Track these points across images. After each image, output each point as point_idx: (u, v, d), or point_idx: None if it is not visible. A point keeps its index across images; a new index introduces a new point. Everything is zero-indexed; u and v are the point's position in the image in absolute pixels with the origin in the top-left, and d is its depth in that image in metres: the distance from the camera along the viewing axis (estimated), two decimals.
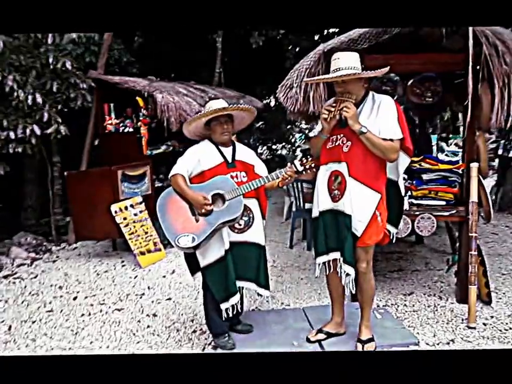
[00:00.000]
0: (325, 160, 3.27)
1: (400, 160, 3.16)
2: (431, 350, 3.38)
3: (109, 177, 5.63)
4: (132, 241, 5.59)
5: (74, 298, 4.70)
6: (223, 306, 3.37)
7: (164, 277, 5.26)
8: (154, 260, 5.73)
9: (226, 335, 3.51)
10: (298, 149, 14.36)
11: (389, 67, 3.12)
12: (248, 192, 3.28)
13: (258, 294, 3.53)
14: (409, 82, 4.54)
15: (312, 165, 3.27)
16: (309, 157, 3.32)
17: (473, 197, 3.91)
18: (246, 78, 8.72)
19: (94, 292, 4.87)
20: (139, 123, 5.94)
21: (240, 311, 3.48)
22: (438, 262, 5.34)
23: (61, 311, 4.40)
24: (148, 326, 4.03)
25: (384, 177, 3.19)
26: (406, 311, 4.10)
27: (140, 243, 5.66)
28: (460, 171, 4.12)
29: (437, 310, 4.11)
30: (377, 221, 3.16)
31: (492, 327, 3.74)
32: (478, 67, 3.69)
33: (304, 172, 3.28)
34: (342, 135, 3.17)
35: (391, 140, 3.03)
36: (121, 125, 6.15)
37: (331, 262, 3.34)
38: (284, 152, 13.37)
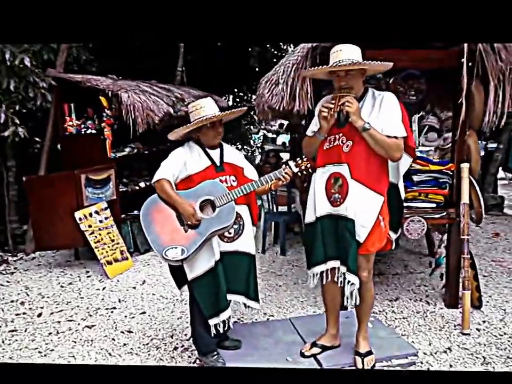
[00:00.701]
0: (322, 162, 3.02)
1: (401, 161, 2.94)
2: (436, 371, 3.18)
3: (72, 182, 5.18)
4: (98, 250, 5.18)
5: (39, 315, 4.27)
6: (212, 321, 3.06)
7: (134, 288, 4.89)
8: (122, 270, 5.34)
9: (215, 352, 3.21)
10: (257, 150, 14.18)
11: (392, 63, 2.88)
12: (238, 198, 3.00)
13: (247, 307, 3.23)
14: (391, 80, 4.36)
15: (308, 166, 2.99)
16: (304, 157, 3.03)
17: (465, 198, 3.79)
18: (208, 77, 8.37)
19: (60, 307, 4.45)
20: (102, 124, 5.51)
21: (230, 326, 3.18)
22: (416, 265, 5.24)
23: (26, 330, 3.97)
24: (124, 344, 3.67)
25: (387, 179, 2.97)
26: (396, 318, 3.94)
27: (107, 252, 5.25)
28: (450, 172, 3.95)
29: (427, 316, 3.97)
30: (381, 226, 2.94)
31: (486, 333, 3.64)
32: (470, 64, 3.54)
33: (299, 174, 3.01)
34: (341, 135, 2.93)
35: (395, 138, 2.80)
36: (82, 126, 5.70)
37: (329, 271, 3.08)
38: (243, 153, 13.12)
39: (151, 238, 2.92)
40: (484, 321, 3.83)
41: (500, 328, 3.69)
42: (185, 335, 3.76)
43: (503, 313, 3.98)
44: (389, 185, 3.00)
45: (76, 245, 5.51)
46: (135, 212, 6.26)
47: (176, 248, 2.88)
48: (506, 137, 7.89)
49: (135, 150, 6.17)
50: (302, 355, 3.24)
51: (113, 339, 3.77)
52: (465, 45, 3.42)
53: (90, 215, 5.24)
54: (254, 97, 11.67)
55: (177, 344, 3.64)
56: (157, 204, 2.97)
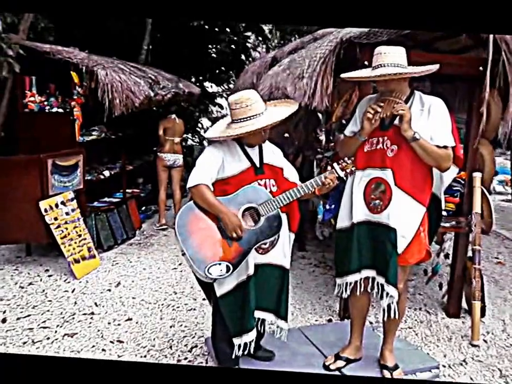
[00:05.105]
0: (362, 165, 3.02)
1: (447, 171, 2.98)
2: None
3: (36, 167, 4.83)
4: (64, 247, 4.87)
5: (3, 321, 3.96)
6: (236, 341, 2.93)
7: (109, 290, 4.67)
8: (90, 269, 5.08)
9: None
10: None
11: (438, 65, 2.92)
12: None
13: (277, 327, 3.11)
14: None
15: (353, 169, 2.94)
16: (346, 159, 2.95)
17: (476, 208, 3.95)
18: (176, 59, 8.07)
19: (26, 311, 4.16)
20: (72, 103, 5.18)
21: (262, 334, 3.11)
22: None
23: None
24: (119, 356, 3.49)
25: (430, 189, 3.01)
26: (402, 328, 4.02)
27: (74, 248, 4.96)
28: (462, 180, 4.11)
29: (431, 326, 4.12)
30: (421, 237, 2.98)
31: (494, 344, 3.83)
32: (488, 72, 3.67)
33: (344, 178, 2.95)
34: (385, 138, 2.94)
35: (445, 147, 2.85)
36: (45, 103, 5.32)
37: (362, 281, 3.09)
38: (193, 143, 12.85)
39: (190, 253, 2.73)
40: (488, 332, 4.02)
41: (505, 340, 3.90)
42: (185, 346, 3.65)
43: (503, 323, 4.20)
44: (431, 195, 3.05)
45: (40, 240, 5.14)
46: (96, 204, 6.01)
47: (220, 264, 2.73)
48: None
49: (102, 134, 5.86)
50: (327, 368, 3.23)
51: (103, 350, 3.57)
52: (490, 54, 3.55)
53: (56, 206, 4.91)
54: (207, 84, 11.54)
55: (179, 356, 3.51)
56: (194, 213, 2.79)
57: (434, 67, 2.89)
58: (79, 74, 5.21)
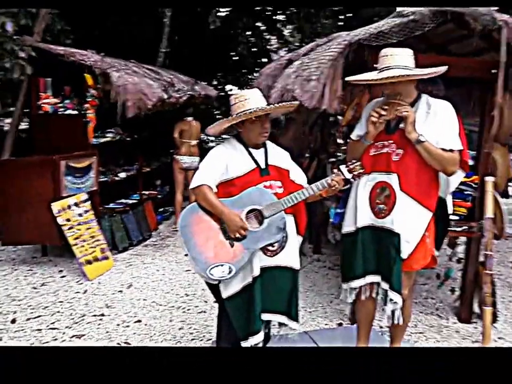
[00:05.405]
0: (367, 168, 2.96)
1: (453, 175, 2.94)
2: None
3: (49, 169, 4.91)
4: (77, 248, 4.92)
5: (13, 321, 4.01)
6: (243, 345, 2.87)
7: (121, 292, 4.70)
8: (102, 270, 5.12)
9: None
10: None
11: (446, 67, 2.87)
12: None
13: (286, 327, 3.01)
14: None
15: (361, 171, 2.88)
16: (355, 161, 2.90)
17: (489, 212, 3.88)
18: (194, 62, 8.08)
19: (37, 312, 4.21)
20: (86, 105, 5.23)
21: (268, 337, 3.04)
22: (418, 276, 5.30)
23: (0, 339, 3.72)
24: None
25: (436, 194, 2.98)
26: (412, 333, 3.99)
27: (86, 250, 5.01)
28: (474, 184, 4.04)
29: (442, 331, 4.07)
30: (426, 243, 2.96)
31: None
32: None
33: (352, 180, 2.91)
34: (390, 142, 2.92)
35: (451, 151, 2.80)
36: (60, 105, 5.39)
37: (367, 286, 3.08)
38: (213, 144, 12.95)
39: (192, 254, 2.72)
40: (500, 338, 3.96)
41: None
42: None
43: None
44: (438, 200, 3.00)
45: (52, 241, 5.20)
46: (111, 205, 6.07)
47: (222, 266, 2.70)
48: None
49: (117, 136, 5.92)
50: None
51: None
52: (503, 57, 3.45)
53: (69, 207, 4.97)
54: (230, 87, 11.56)
55: None
56: (197, 214, 2.78)
57: (442, 69, 2.84)
58: (93, 77, 5.25)
